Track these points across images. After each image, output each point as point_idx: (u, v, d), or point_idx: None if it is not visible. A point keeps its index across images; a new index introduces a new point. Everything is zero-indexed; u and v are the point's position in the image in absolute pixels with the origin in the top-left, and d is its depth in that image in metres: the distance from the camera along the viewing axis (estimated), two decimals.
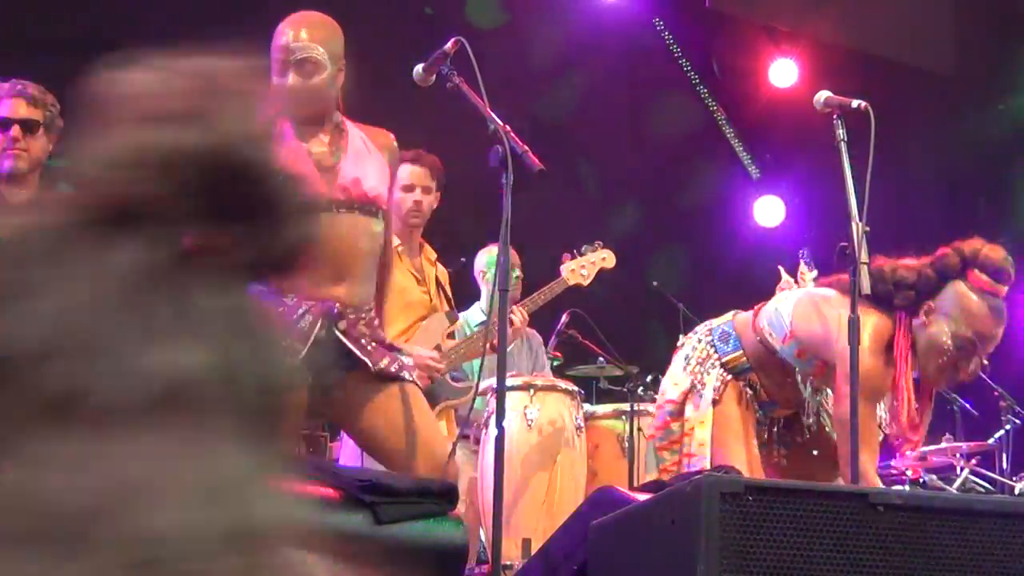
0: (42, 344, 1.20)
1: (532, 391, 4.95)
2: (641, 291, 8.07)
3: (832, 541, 2.34)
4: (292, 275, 1.41)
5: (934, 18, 8.44)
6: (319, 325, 3.35)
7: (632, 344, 6.69)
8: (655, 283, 6.90)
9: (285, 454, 1.41)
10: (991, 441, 6.50)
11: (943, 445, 6.45)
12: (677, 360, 3.91)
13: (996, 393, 6.57)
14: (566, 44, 8.48)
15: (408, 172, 4.88)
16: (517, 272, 5.49)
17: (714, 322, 3.93)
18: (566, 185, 8.71)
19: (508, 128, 3.20)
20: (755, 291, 4.37)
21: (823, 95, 3.69)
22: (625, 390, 5.52)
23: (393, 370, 3.42)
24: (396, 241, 4.62)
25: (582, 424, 5.02)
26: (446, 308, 5.10)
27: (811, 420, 3.82)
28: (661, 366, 4.13)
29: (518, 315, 5.13)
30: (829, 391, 3.87)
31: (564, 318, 5.86)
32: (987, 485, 6.42)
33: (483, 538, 5.05)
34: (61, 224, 1.30)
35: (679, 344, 3.97)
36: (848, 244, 3.46)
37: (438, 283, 5.07)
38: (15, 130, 4.01)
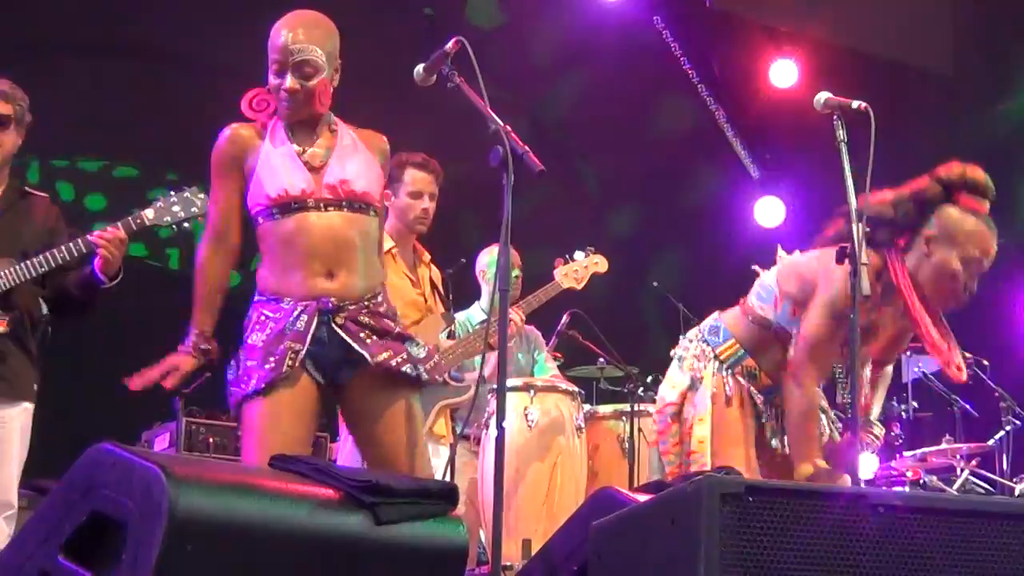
0: None
1: (532, 392, 4.95)
2: (641, 291, 8.08)
3: (832, 542, 2.33)
4: None
5: (934, 18, 8.43)
6: (315, 323, 3.36)
7: (632, 344, 6.69)
8: (655, 283, 6.91)
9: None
10: (991, 442, 6.50)
11: (943, 446, 6.45)
12: (672, 365, 3.91)
13: (996, 394, 6.57)
14: (566, 44, 8.48)
15: (416, 178, 4.87)
16: (517, 272, 5.51)
17: (701, 324, 3.94)
18: (566, 185, 8.71)
19: (509, 128, 3.19)
20: None
21: (823, 96, 3.69)
22: (625, 391, 5.53)
23: (394, 364, 3.39)
24: (390, 243, 4.62)
25: (582, 424, 5.03)
26: (441, 310, 5.11)
27: None
28: (661, 366, 4.13)
29: (517, 315, 5.16)
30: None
31: (565, 319, 5.87)
32: (987, 486, 6.42)
33: (483, 539, 5.06)
34: None
35: (672, 354, 3.95)
36: (848, 245, 3.46)
37: (432, 284, 5.08)
38: None
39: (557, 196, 8.24)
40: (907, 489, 6.33)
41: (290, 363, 3.32)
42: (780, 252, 3.95)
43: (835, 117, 3.63)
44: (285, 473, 2.70)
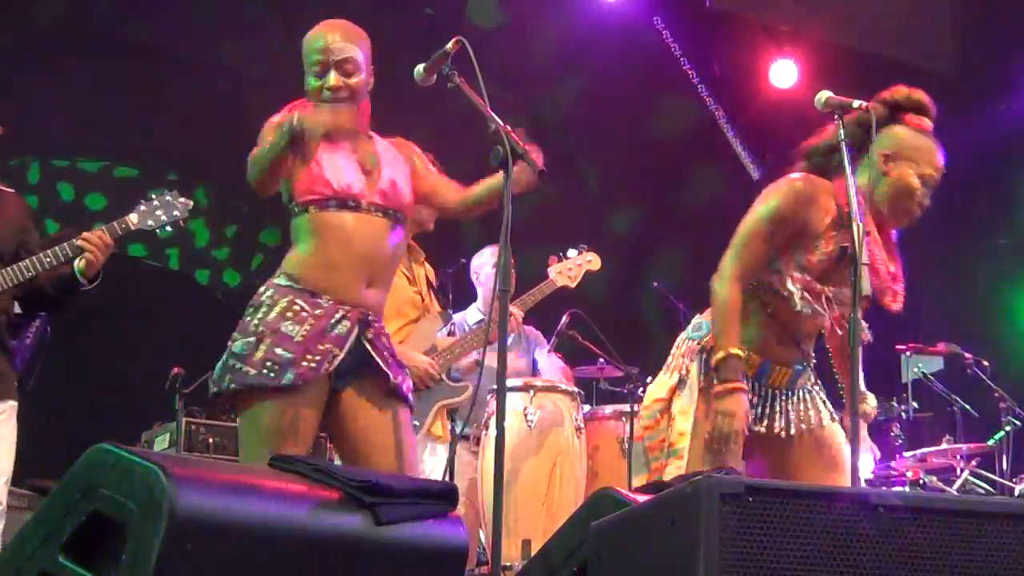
0: None
1: (532, 392, 4.96)
2: (641, 291, 8.08)
3: (833, 542, 2.33)
4: None
5: (934, 18, 8.44)
6: (356, 332, 3.39)
7: (632, 344, 6.69)
8: (655, 283, 6.92)
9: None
10: (991, 443, 6.50)
11: (943, 447, 6.45)
12: (664, 368, 3.86)
13: (996, 394, 6.57)
14: (566, 44, 8.48)
15: None
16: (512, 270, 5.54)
17: (688, 327, 3.89)
18: (566, 185, 8.72)
19: (509, 128, 3.19)
20: None
21: (824, 95, 3.68)
22: (625, 391, 5.53)
23: (403, 389, 3.47)
24: None
25: (582, 425, 5.03)
26: (437, 308, 5.12)
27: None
28: (661, 366, 4.13)
29: (517, 311, 5.19)
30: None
31: (564, 319, 5.87)
32: (987, 487, 6.42)
33: (483, 539, 5.06)
34: None
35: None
36: (848, 244, 3.46)
37: (428, 283, 5.09)
38: None
39: (557, 196, 8.24)
40: (907, 489, 6.33)
41: (327, 366, 3.33)
42: None
43: (836, 117, 3.62)
44: (285, 473, 2.70)
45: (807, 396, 3.75)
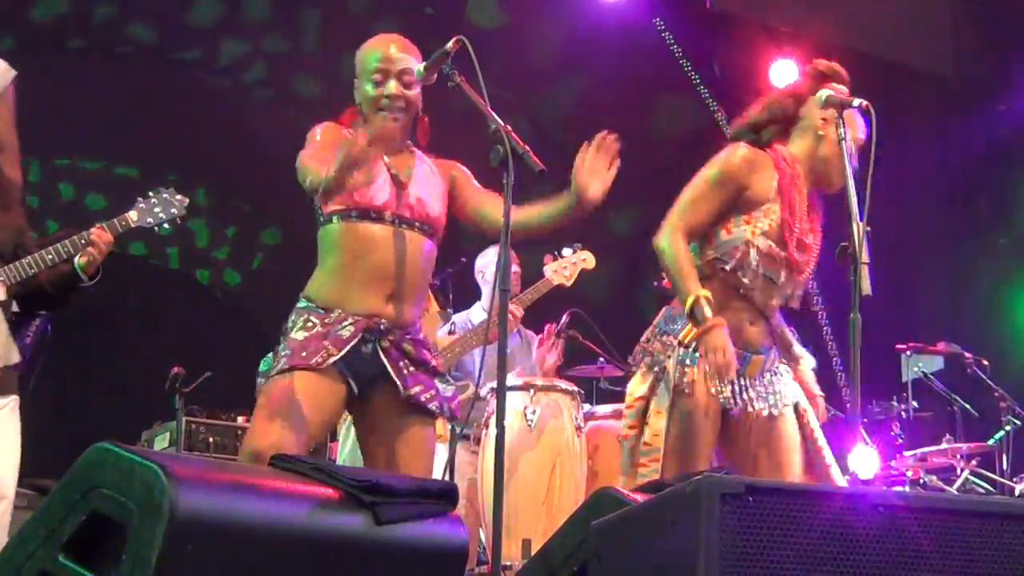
0: None
1: (532, 391, 4.95)
2: (641, 291, 8.08)
3: (832, 542, 2.33)
4: None
5: (934, 19, 8.44)
6: (359, 338, 3.43)
7: (632, 344, 6.67)
8: (655, 283, 6.91)
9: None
10: (991, 442, 6.50)
11: (943, 446, 6.45)
12: (638, 367, 3.86)
13: (996, 394, 6.58)
14: (566, 44, 8.48)
15: None
16: (515, 267, 5.54)
17: (655, 321, 3.90)
18: (566, 185, 8.71)
19: (509, 128, 3.20)
20: None
21: (824, 93, 3.70)
22: (625, 391, 5.52)
23: (423, 399, 3.51)
24: None
25: (582, 424, 5.03)
26: (436, 308, 5.12)
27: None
28: None
29: (517, 311, 5.20)
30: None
31: (564, 319, 5.87)
32: (987, 486, 6.42)
33: (483, 539, 5.06)
34: None
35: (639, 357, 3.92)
36: (848, 244, 3.46)
37: None
38: None
39: (557, 196, 8.24)
40: (907, 489, 6.33)
41: (319, 360, 3.38)
42: None
43: (836, 115, 3.63)
44: (285, 473, 2.70)
45: (773, 379, 3.79)
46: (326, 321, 3.44)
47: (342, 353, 3.41)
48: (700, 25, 8.60)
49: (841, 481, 3.85)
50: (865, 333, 3.45)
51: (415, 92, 3.55)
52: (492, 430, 4.70)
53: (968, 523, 2.41)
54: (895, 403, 6.91)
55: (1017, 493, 6.24)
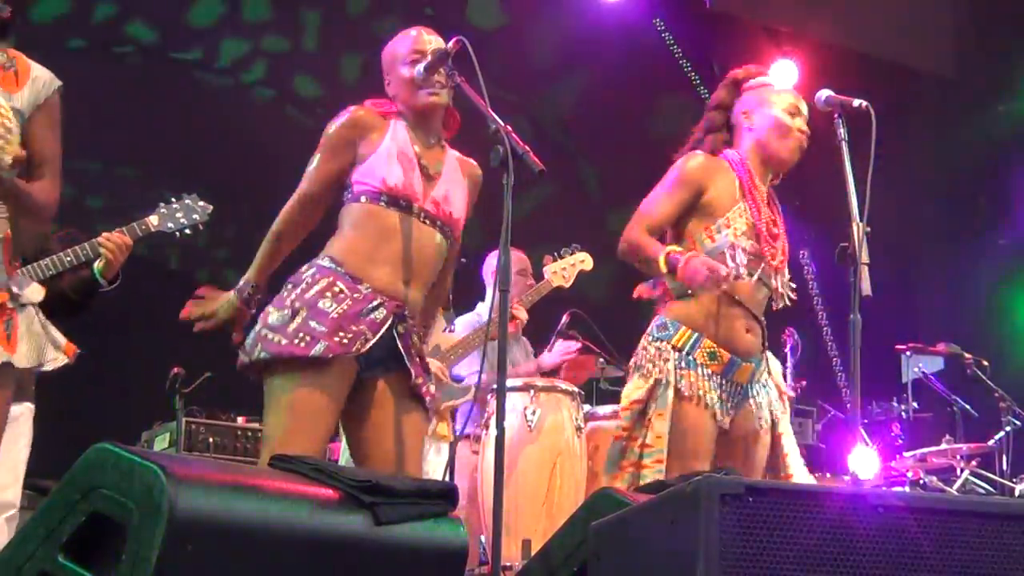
0: None
1: (532, 392, 4.95)
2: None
3: (832, 542, 2.33)
4: None
5: (934, 20, 8.44)
6: (390, 322, 3.40)
7: (632, 345, 6.67)
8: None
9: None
10: (991, 443, 6.50)
11: (943, 447, 6.45)
12: (633, 373, 3.87)
13: (996, 394, 6.58)
14: (567, 44, 8.48)
15: None
16: (529, 280, 5.59)
17: (648, 329, 3.92)
18: (566, 185, 8.72)
19: (509, 128, 3.20)
20: None
21: (824, 94, 3.70)
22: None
23: (422, 391, 3.49)
24: None
25: (582, 425, 5.02)
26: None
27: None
28: None
29: (521, 312, 5.20)
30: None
31: (564, 319, 5.87)
32: (987, 487, 6.42)
33: (483, 539, 5.06)
34: None
35: (631, 364, 3.94)
36: (848, 244, 3.46)
37: None
38: None
39: (557, 196, 8.24)
40: (907, 489, 6.33)
41: (358, 348, 3.33)
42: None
43: (836, 116, 3.64)
44: (285, 473, 2.70)
45: (762, 391, 3.84)
46: (356, 295, 3.36)
47: (377, 338, 3.36)
48: (700, 25, 8.60)
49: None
50: (865, 334, 3.46)
51: (447, 77, 3.51)
52: (492, 431, 4.70)
53: (968, 524, 2.41)
54: (895, 404, 6.91)
55: (1017, 494, 6.24)
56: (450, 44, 3.38)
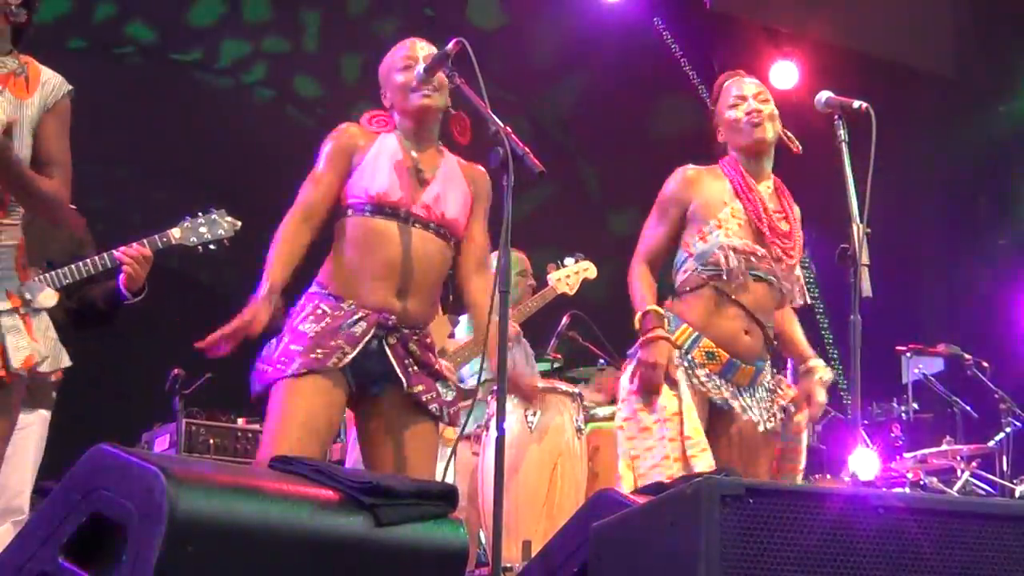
0: None
1: None
2: None
3: (832, 543, 2.33)
4: None
5: (934, 20, 8.43)
6: (371, 333, 3.41)
7: (632, 345, 6.68)
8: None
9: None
10: (991, 444, 6.50)
11: (943, 448, 6.45)
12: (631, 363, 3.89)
13: (996, 395, 6.57)
14: (567, 45, 8.48)
15: None
16: (531, 282, 5.59)
17: None
18: (566, 185, 8.71)
19: (509, 130, 3.19)
20: None
21: (824, 95, 3.70)
22: None
23: (424, 399, 3.49)
24: None
25: (582, 426, 5.02)
26: (440, 311, 5.12)
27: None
28: None
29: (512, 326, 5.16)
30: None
31: (565, 320, 5.87)
32: (987, 488, 6.42)
33: (483, 540, 5.06)
34: None
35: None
36: (848, 245, 3.46)
37: None
38: None
39: (557, 196, 8.24)
40: (907, 490, 6.33)
41: (335, 361, 3.37)
42: None
43: (836, 117, 3.64)
44: (286, 474, 2.70)
45: (766, 395, 3.84)
46: (337, 313, 3.41)
47: (356, 351, 3.39)
48: (700, 25, 8.59)
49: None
50: (865, 335, 3.45)
51: (440, 81, 3.52)
52: (492, 432, 4.70)
53: (968, 525, 2.42)
54: (895, 405, 6.91)
55: (1017, 494, 6.23)
56: (450, 46, 3.38)
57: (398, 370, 3.45)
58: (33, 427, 4.06)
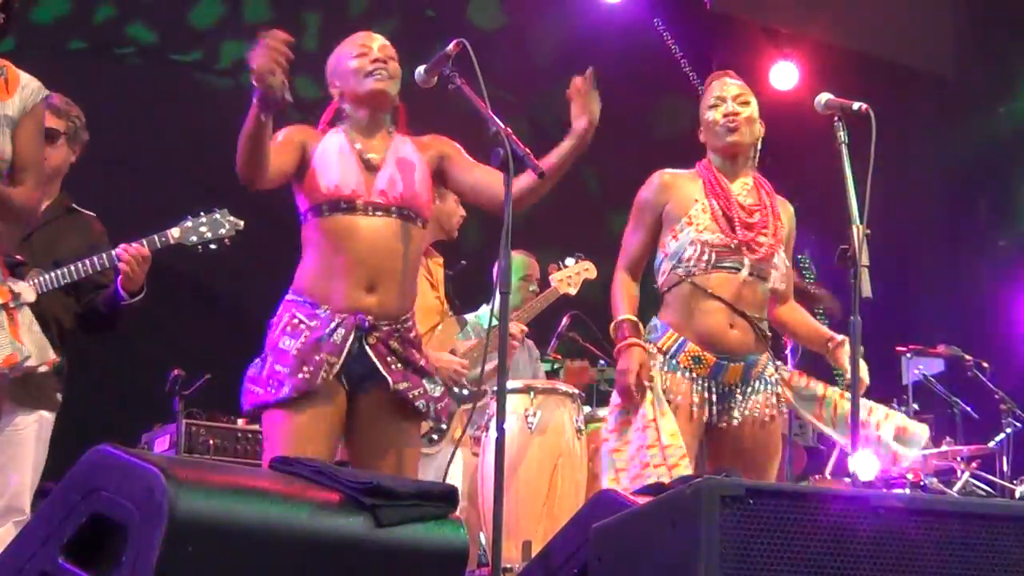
0: None
1: (532, 394, 4.94)
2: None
3: (832, 544, 2.33)
4: None
5: (934, 21, 8.43)
6: (351, 338, 3.39)
7: None
8: (655, 284, 6.91)
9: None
10: (991, 444, 6.50)
11: (943, 448, 6.45)
12: None
13: (997, 396, 6.57)
14: (567, 45, 8.48)
15: None
16: (534, 287, 5.59)
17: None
18: (566, 185, 8.70)
19: (509, 130, 3.19)
20: None
21: (824, 97, 3.70)
22: None
23: (410, 396, 3.47)
24: None
25: (582, 427, 5.02)
26: (449, 312, 5.12)
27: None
28: None
29: (516, 328, 5.15)
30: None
31: (565, 320, 5.88)
32: (987, 488, 6.41)
33: (483, 541, 5.05)
34: None
35: None
36: (848, 246, 3.46)
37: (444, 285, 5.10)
38: None
39: (557, 196, 8.22)
40: (907, 491, 6.33)
41: (324, 375, 3.36)
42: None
43: (836, 119, 3.64)
44: (285, 475, 2.70)
45: (763, 388, 3.83)
46: (313, 323, 3.38)
47: (342, 360, 3.38)
48: (700, 26, 8.60)
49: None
50: (865, 335, 3.46)
51: (395, 67, 3.54)
52: (492, 433, 4.69)
53: (968, 526, 2.41)
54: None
55: (1017, 495, 6.24)
56: (450, 46, 3.38)
57: (382, 369, 3.43)
58: (31, 427, 4.05)
